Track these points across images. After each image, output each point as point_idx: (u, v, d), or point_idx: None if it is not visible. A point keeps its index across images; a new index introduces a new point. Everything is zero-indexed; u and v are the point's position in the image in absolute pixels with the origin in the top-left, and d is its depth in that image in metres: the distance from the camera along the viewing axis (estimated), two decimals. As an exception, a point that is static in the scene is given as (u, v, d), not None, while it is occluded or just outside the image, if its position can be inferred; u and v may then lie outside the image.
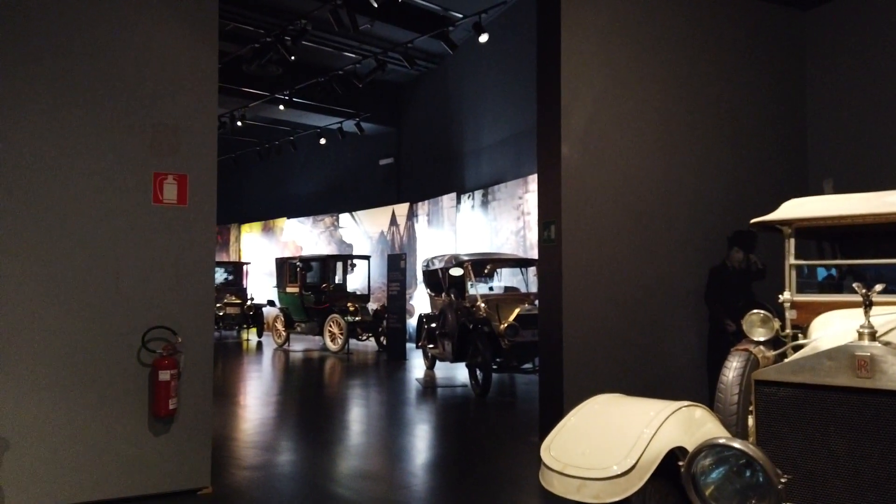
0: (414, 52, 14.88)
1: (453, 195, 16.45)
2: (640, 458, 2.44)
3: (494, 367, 9.73)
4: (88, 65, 5.01)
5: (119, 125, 5.08)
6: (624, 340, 6.80)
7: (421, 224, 17.69)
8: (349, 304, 15.47)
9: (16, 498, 4.65)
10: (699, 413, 2.84)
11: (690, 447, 2.54)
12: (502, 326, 9.64)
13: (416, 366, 13.08)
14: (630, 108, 7.06)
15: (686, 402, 2.85)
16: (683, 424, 2.69)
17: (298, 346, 17.14)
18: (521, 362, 9.77)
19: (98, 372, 4.90)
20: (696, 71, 7.51)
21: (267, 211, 22.98)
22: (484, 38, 12.88)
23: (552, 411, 6.34)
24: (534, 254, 12.40)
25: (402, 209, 18.39)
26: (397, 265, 14.49)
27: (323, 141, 19.93)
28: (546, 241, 6.72)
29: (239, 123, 17.88)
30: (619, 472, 2.43)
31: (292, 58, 13.24)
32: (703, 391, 7.19)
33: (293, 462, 6.32)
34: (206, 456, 5.17)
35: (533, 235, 13.13)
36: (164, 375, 4.92)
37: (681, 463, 2.50)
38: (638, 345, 6.89)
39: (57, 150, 4.90)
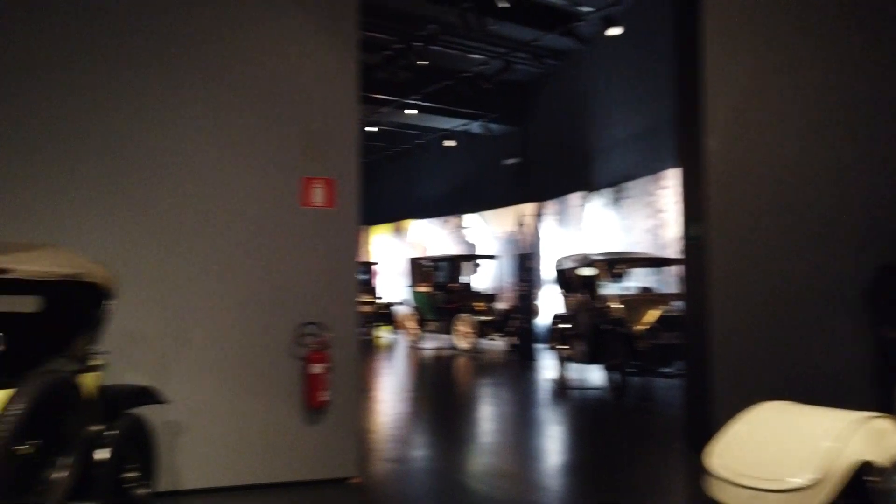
0: (540, 50, 14.75)
1: (582, 193, 16.13)
2: (826, 471, 2.25)
3: (632, 370, 9.42)
4: (247, 78, 5.39)
5: (272, 133, 5.43)
6: (778, 344, 6.33)
7: (548, 223, 17.50)
8: (477, 304, 15.60)
9: (188, 476, 5.09)
10: (885, 424, 2.58)
11: (882, 462, 2.32)
12: (638, 328, 9.32)
13: (547, 366, 12.96)
14: (782, 95, 6.56)
15: (871, 413, 2.60)
16: (871, 437, 2.46)
17: (430, 343, 17.54)
18: (660, 366, 9.39)
19: (257, 364, 5.26)
20: (853, 52, 6.84)
21: (396, 213, 23.70)
22: (615, 31, 12.52)
23: (700, 417, 6.04)
24: (669, 253, 11.89)
25: (528, 209, 18.29)
26: (526, 265, 14.42)
27: (450, 143, 20.25)
28: (690, 238, 6.41)
29: (372, 129, 18.57)
30: (801, 485, 2.25)
31: (422, 63, 13.57)
32: (866, 400, 6.55)
33: (431, 457, 6.46)
34: (354, 447, 5.39)
35: (668, 234, 12.59)
36: (316, 368, 5.19)
37: (872, 479, 2.28)
38: (794, 349, 6.39)
39: (217, 154, 5.31)
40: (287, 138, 5.46)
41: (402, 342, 18.21)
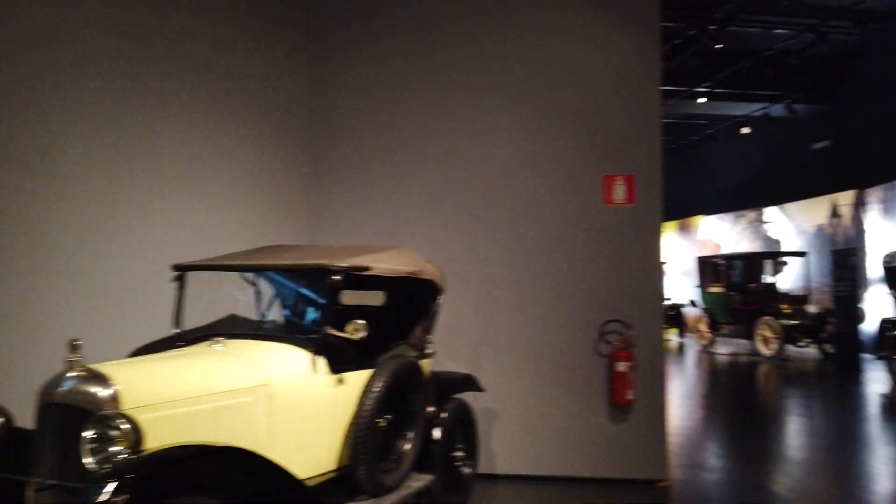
0: (864, 14, 12.74)
1: (918, 177, 13.56)
2: None
3: None
4: (550, 81, 5.59)
5: (574, 132, 5.54)
6: None
7: (872, 214, 15.04)
8: (783, 306, 14.03)
9: (502, 462, 5.45)
10: None
11: None
12: None
13: (875, 378, 11.15)
14: None
15: None
16: None
17: (724, 348, 16.29)
18: None
19: (562, 359, 5.42)
20: None
21: (683, 209, 22.47)
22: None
23: None
24: None
25: (845, 198, 15.93)
26: (845, 262, 12.59)
27: (746, 130, 18.59)
28: None
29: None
30: None
31: (717, 46, 12.68)
32: None
33: (738, 467, 5.98)
34: (662, 448, 5.26)
35: None
36: (621, 366, 5.17)
37: None
38: None
39: (524, 158, 5.59)
40: (588, 136, 5.54)
41: (691, 346, 17.21)
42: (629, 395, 5.19)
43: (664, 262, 21.94)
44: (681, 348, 17.21)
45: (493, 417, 5.48)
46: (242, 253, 4.24)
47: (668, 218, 22.98)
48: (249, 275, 4.42)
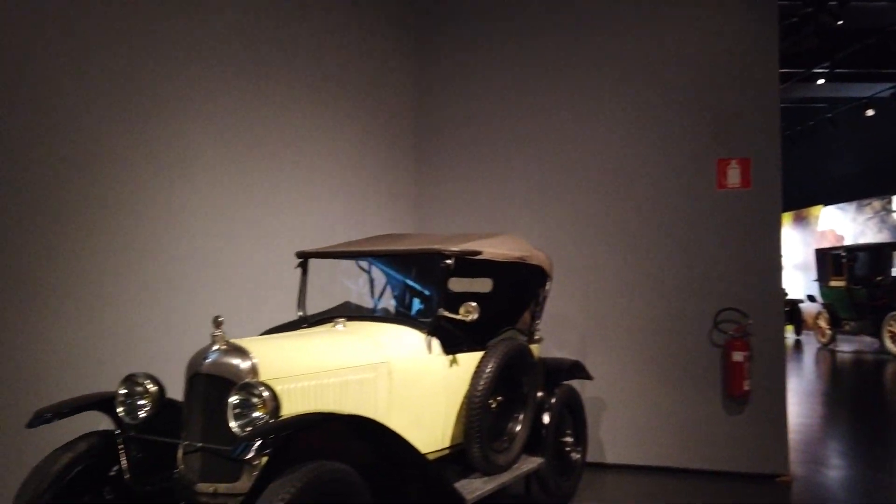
0: None
1: None
2: None
3: None
4: (660, 64, 5.49)
5: (686, 115, 5.41)
6: None
7: None
8: (915, 301, 12.98)
9: (611, 451, 5.41)
10: None
11: None
12: None
13: None
14: None
15: None
16: None
17: (846, 346, 15.25)
18: None
19: (673, 348, 5.31)
20: None
21: (800, 199, 21.17)
22: None
23: None
24: None
25: None
26: None
27: (870, 112, 17.28)
28: None
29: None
30: None
31: (839, 23, 11.87)
32: None
33: (866, 468, 5.62)
34: (782, 442, 5.04)
35: None
36: (738, 356, 5.00)
37: None
38: None
39: (634, 141, 5.51)
40: (702, 119, 5.39)
41: (809, 344, 16.22)
42: (746, 386, 5.01)
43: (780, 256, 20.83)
44: (798, 346, 16.27)
45: (601, 407, 5.45)
46: (358, 241, 4.45)
47: (784, 208, 21.74)
48: (364, 263, 4.63)
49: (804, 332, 17.99)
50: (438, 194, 6.18)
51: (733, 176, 5.33)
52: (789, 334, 18.35)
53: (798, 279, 19.18)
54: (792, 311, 17.94)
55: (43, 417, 2.89)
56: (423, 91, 6.32)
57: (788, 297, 18.40)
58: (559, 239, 5.60)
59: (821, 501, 4.71)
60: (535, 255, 4.44)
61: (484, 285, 4.88)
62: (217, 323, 2.92)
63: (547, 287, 4.60)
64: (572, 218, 5.64)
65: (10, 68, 3.57)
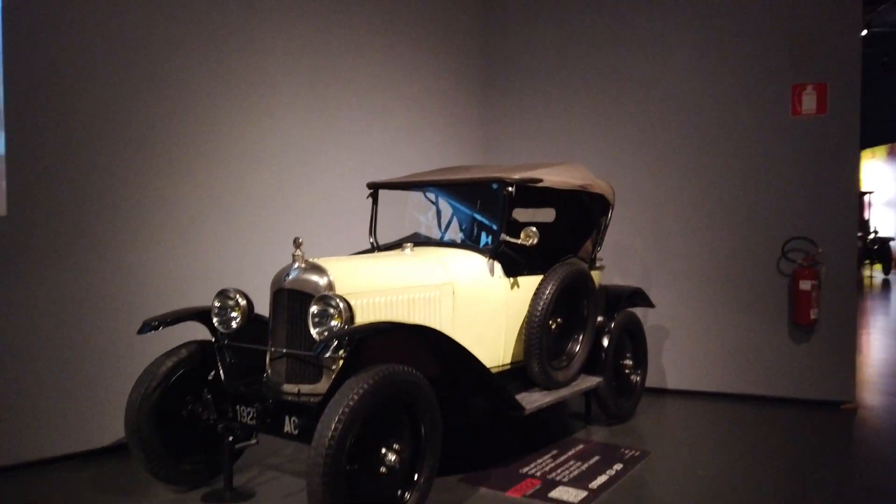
0: None
1: None
2: None
3: None
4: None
5: (759, 38, 5.24)
6: None
7: None
8: None
9: (672, 377, 5.53)
10: None
11: None
12: None
13: None
14: None
15: None
16: None
17: (939, 286, 14.51)
18: None
19: (739, 277, 5.31)
20: None
21: (894, 133, 19.79)
22: None
23: None
24: None
25: None
26: None
27: (980, 34, 15.80)
28: None
29: (863, 32, 15.78)
30: None
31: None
32: None
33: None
34: (848, 370, 5.03)
35: None
36: (805, 285, 4.97)
37: None
38: None
39: (704, 66, 5.41)
40: (776, 42, 5.21)
41: (899, 283, 15.51)
42: (812, 315, 4.99)
43: (871, 192, 19.80)
44: (886, 285, 15.58)
45: (663, 334, 5.56)
46: (424, 172, 4.65)
47: (876, 143, 20.40)
48: (431, 195, 4.84)
49: (894, 271, 17.17)
50: (505, 128, 6.29)
51: (808, 102, 5.17)
52: (878, 273, 17.57)
53: (889, 217, 18.17)
54: (882, 249, 17.11)
55: (150, 326, 3.30)
56: (491, 24, 6.35)
57: (879, 234, 17.53)
58: (625, 169, 5.62)
59: (885, 427, 4.70)
60: (597, 184, 4.52)
61: (547, 215, 5.02)
62: (297, 244, 3.21)
63: (609, 215, 4.69)
64: (639, 148, 5.64)
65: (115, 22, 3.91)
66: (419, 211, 5.70)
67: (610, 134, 5.75)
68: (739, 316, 5.32)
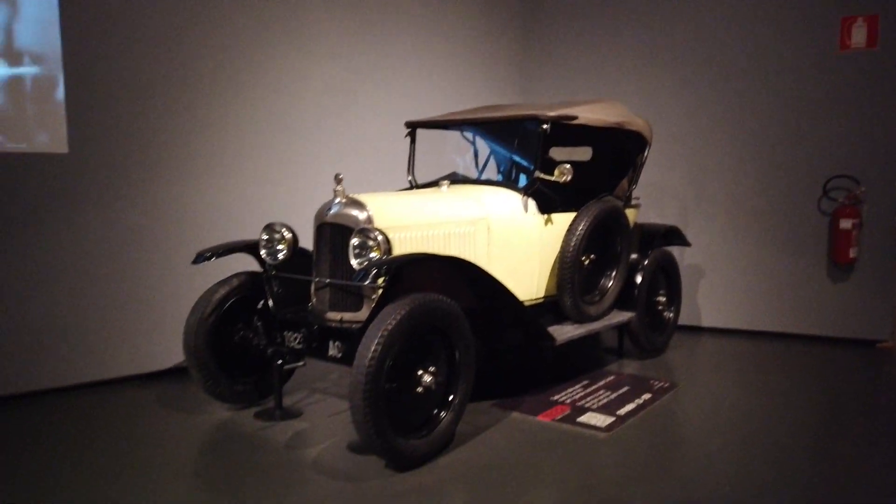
0: None
1: None
2: None
3: None
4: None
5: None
6: None
7: None
8: None
9: (707, 315, 5.60)
10: None
11: None
12: None
13: None
14: None
15: None
16: None
17: None
18: None
19: (780, 216, 5.29)
20: None
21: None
22: None
23: None
24: None
25: None
26: None
27: None
28: None
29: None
30: None
31: None
32: None
33: None
34: (886, 310, 5.02)
35: None
36: (845, 224, 4.93)
37: None
38: None
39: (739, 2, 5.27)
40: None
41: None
42: (852, 254, 4.97)
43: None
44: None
45: (699, 273, 5.60)
46: (461, 111, 4.72)
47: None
48: (469, 134, 4.91)
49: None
50: (543, 67, 6.26)
51: (858, 35, 5.00)
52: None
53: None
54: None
55: (203, 256, 3.53)
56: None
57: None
58: (663, 107, 5.58)
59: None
60: (634, 121, 4.52)
61: (584, 154, 5.05)
62: (338, 180, 3.36)
63: (645, 153, 4.70)
64: (679, 85, 5.57)
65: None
66: (457, 152, 5.80)
67: (652, 72, 5.68)
68: (777, 255, 5.32)
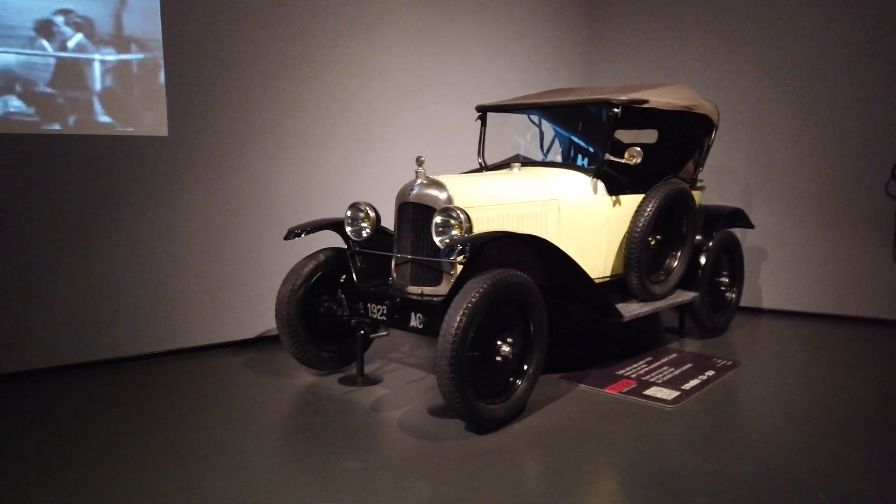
0: None
1: None
2: None
3: None
4: None
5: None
6: None
7: None
8: None
9: (769, 297, 5.65)
10: None
11: None
12: None
13: None
14: None
15: None
16: None
17: None
18: None
19: (845, 200, 5.28)
20: None
21: None
22: None
23: None
24: None
25: None
26: None
27: None
28: None
29: None
30: None
31: None
32: None
33: None
34: (954, 294, 5.00)
35: None
36: (914, 208, 4.91)
37: None
38: None
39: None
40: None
41: None
42: (920, 238, 4.95)
43: None
44: None
45: (762, 255, 5.65)
46: (531, 95, 4.86)
47: None
48: (534, 117, 5.05)
49: None
50: (610, 52, 6.32)
51: (935, 16, 4.93)
52: None
53: None
54: None
55: (294, 233, 3.80)
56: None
57: None
58: (729, 90, 5.60)
59: None
60: (702, 104, 4.59)
61: (649, 137, 5.14)
62: (420, 162, 3.58)
63: (712, 136, 4.77)
64: (744, 69, 5.58)
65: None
66: (519, 133, 5.95)
67: (717, 55, 5.70)
68: (841, 238, 5.32)
